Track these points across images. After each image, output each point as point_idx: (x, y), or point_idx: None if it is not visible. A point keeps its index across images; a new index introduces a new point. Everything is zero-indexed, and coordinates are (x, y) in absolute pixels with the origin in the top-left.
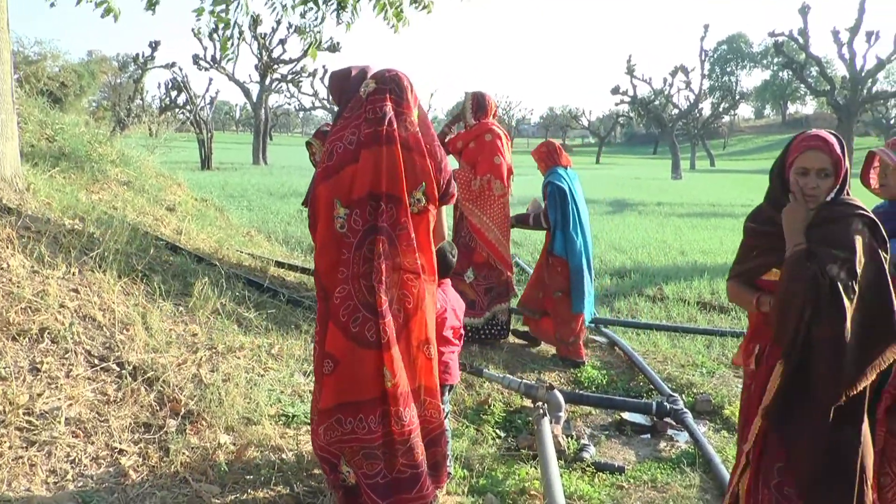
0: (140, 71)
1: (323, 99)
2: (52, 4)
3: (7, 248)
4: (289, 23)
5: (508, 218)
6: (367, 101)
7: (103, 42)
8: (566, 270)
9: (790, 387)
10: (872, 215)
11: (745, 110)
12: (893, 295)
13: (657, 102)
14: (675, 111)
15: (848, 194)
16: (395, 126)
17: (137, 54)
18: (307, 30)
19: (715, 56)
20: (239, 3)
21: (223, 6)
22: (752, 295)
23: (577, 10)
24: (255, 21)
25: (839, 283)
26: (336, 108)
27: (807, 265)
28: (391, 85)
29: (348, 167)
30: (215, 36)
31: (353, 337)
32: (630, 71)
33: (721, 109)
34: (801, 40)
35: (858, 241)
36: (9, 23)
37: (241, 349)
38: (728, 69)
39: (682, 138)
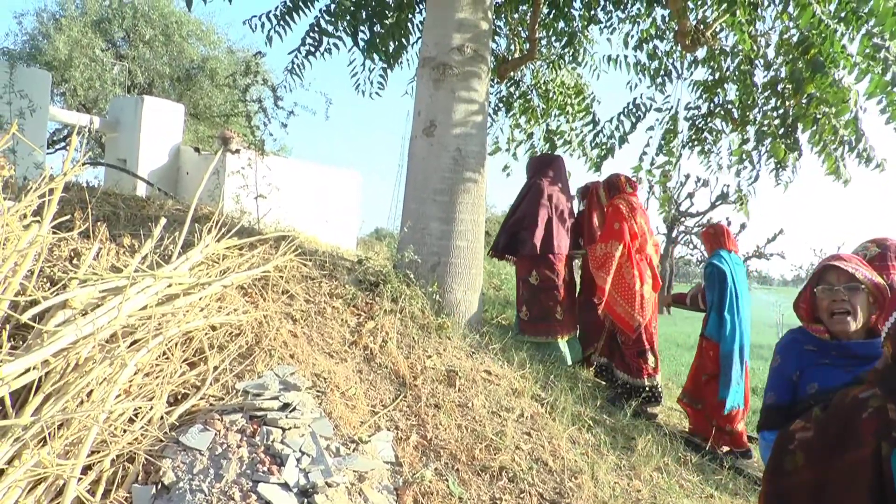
0: None
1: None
2: (508, 175)
3: (471, 388)
4: (697, 177)
5: (635, 278)
6: None
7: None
8: (716, 354)
9: None
10: None
11: None
12: None
13: None
14: None
15: None
16: None
17: None
18: (739, 189)
19: None
20: (677, 162)
21: (667, 161)
22: None
23: None
24: (665, 175)
25: None
26: None
27: None
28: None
29: None
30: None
31: None
32: None
33: None
34: None
35: None
36: (486, 192)
37: None
38: None
39: None
